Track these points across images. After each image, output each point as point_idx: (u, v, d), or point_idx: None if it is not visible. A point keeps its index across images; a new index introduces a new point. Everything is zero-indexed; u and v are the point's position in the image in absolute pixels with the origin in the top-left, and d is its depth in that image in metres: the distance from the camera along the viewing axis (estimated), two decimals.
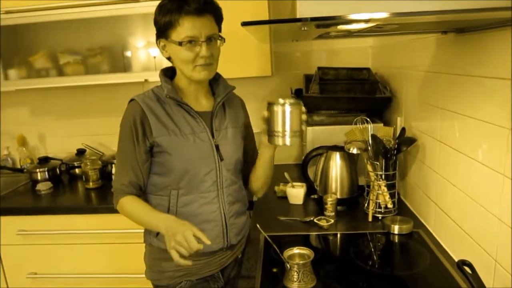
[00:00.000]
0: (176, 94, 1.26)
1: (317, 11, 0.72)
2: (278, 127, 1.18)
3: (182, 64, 1.23)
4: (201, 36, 1.18)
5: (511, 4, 0.67)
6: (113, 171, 2.08)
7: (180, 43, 1.18)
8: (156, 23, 1.22)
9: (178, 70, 1.29)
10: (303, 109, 1.21)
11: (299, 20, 0.72)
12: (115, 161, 1.32)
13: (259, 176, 1.42)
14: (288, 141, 1.19)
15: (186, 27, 1.17)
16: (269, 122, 1.21)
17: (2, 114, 2.61)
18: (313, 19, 0.72)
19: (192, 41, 1.18)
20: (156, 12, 1.21)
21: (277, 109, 1.17)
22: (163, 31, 1.21)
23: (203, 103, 1.34)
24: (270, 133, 1.21)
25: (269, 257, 1.33)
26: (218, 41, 1.24)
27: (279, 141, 1.19)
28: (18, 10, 2.00)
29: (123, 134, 1.27)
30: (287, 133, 1.18)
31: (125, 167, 1.27)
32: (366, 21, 0.78)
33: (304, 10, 0.72)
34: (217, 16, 1.24)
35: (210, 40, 1.21)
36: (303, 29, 0.81)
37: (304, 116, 1.22)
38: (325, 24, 0.80)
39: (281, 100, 1.18)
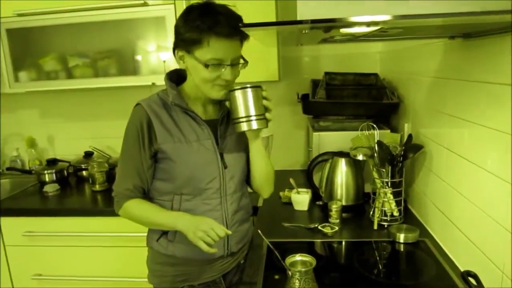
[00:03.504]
0: (181, 101, 1.24)
1: (318, 13, 0.71)
2: (240, 113, 1.18)
3: (201, 82, 1.20)
4: (227, 60, 1.16)
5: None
6: None
7: (206, 65, 1.14)
8: (179, 33, 1.17)
9: (190, 79, 1.26)
10: (264, 93, 1.21)
11: (300, 22, 0.71)
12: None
13: (254, 171, 1.37)
14: (254, 125, 1.18)
15: (215, 49, 1.13)
16: (231, 110, 1.21)
17: (13, 115, 2.64)
18: (314, 21, 0.71)
19: (217, 64, 1.15)
20: (181, 22, 1.16)
21: (237, 94, 1.17)
22: (186, 44, 1.16)
23: (210, 110, 1.33)
24: (234, 121, 1.21)
25: (272, 263, 1.31)
26: (241, 64, 1.22)
27: (243, 127, 1.19)
28: (30, 13, 2.02)
29: (128, 138, 1.25)
30: (252, 117, 1.18)
31: (129, 171, 1.26)
32: (368, 24, 0.77)
33: (304, 12, 0.71)
34: (244, 39, 1.20)
35: (234, 63, 1.19)
36: (304, 32, 0.80)
37: (265, 102, 1.21)
38: (327, 27, 0.79)
39: (239, 86, 1.18)
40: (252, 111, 1.18)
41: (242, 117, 1.19)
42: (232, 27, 1.11)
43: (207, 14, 1.13)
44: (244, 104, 1.18)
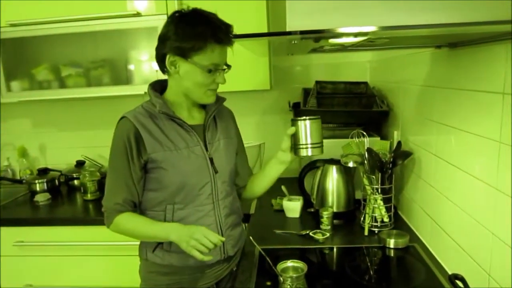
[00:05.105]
0: (168, 109, 1.25)
1: (307, 25, 0.73)
2: (302, 141, 1.35)
3: (195, 86, 1.23)
4: (222, 65, 1.23)
5: (489, 18, 0.68)
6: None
7: (209, 70, 1.20)
8: (173, 40, 1.18)
9: (176, 86, 1.28)
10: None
11: (289, 33, 0.74)
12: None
13: (261, 187, 1.49)
14: (312, 151, 1.36)
15: (215, 54, 1.19)
16: (294, 136, 1.35)
17: (4, 125, 2.63)
18: (302, 32, 0.73)
19: (216, 69, 1.21)
20: (175, 28, 1.18)
21: (300, 123, 1.34)
22: (184, 50, 1.19)
23: (196, 116, 1.35)
24: (296, 146, 1.36)
25: (264, 270, 1.32)
26: (226, 69, 1.27)
27: (303, 152, 1.36)
28: (23, 23, 2.03)
29: (116, 153, 1.25)
30: (310, 145, 1.35)
31: (119, 185, 1.26)
32: (356, 34, 0.80)
33: (293, 23, 0.73)
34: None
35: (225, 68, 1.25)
36: (293, 42, 0.82)
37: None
38: (315, 38, 0.82)
39: (303, 117, 1.34)
40: (312, 140, 1.34)
41: (303, 144, 1.35)
42: (228, 34, 1.19)
43: (207, 22, 1.18)
44: (305, 133, 1.34)
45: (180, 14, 1.21)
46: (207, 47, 1.18)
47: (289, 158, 1.39)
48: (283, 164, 1.42)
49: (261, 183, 1.49)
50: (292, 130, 1.34)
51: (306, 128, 1.33)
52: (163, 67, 1.26)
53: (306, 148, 1.34)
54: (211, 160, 1.31)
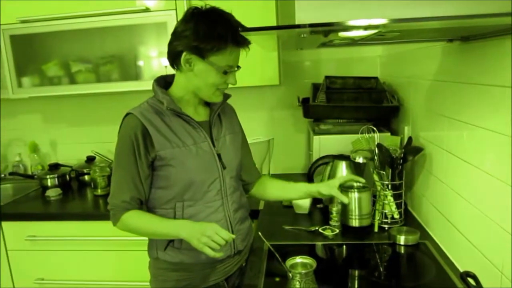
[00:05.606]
0: (176, 106, 1.25)
1: (316, 18, 0.72)
2: (355, 212, 1.55)
3: (207, 86, 1.23)
4: (235, 66, 1.23)
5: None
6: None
7: (225, 72, 1.20)
8: (191, 38, 1.17)
9: (185, 83, 1.26)
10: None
11: (298, 26, 0.73)
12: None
13: (275, 196, 1.54)
14: (361, 223, 1.57)
15: (233, 56, 1.20)
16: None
17: (15, 121, 2.66)
18: (312, 25, 0.72)
19: (230, 70, 1.22)
20: (193, 27, 1.16)
21: (352, 195, 1.52)
22: (202, 50, 1.17)
23: (201, 113, 1.35)
24: (347, 214, 1.56)
25: (272, 266, 1.32)
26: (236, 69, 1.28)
27: (353, 223, 1.57)
28: (33, 19, 2.05)
29: (122, 150, 1.23)
30: (360, 215, 1.56)
31: (126, 183, 1.24)
32: (366, 27, 0.78)
33: (302, 16, 0.72)
34: None
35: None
36: (303, 36, 0.81)
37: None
38: (325, 31, 0.80)
39: (355, 184, 1.56)
40: (362, 211, 1.55)
41: (354, 215, 1.57)
42: (245, 37, 1.18)
43: (227, 23, 1.17)
44: (355, 204, 1.54)
45: (199, 12, 1.19)
46: (226, 49, 1.17)
47: (318, 197, 1.46)
48: (307, 197, 1.48)
49: (276, 193, 1.52)
50: (346, 200, 1.37)
51: (357, 199, 1.48)
52: (175, 63, 1.24)
53: (355, 219, 1.54)
54: (219, 156, 1.31)
